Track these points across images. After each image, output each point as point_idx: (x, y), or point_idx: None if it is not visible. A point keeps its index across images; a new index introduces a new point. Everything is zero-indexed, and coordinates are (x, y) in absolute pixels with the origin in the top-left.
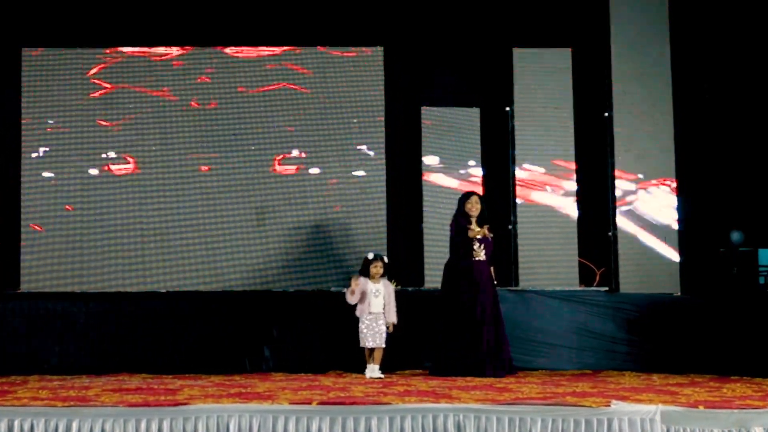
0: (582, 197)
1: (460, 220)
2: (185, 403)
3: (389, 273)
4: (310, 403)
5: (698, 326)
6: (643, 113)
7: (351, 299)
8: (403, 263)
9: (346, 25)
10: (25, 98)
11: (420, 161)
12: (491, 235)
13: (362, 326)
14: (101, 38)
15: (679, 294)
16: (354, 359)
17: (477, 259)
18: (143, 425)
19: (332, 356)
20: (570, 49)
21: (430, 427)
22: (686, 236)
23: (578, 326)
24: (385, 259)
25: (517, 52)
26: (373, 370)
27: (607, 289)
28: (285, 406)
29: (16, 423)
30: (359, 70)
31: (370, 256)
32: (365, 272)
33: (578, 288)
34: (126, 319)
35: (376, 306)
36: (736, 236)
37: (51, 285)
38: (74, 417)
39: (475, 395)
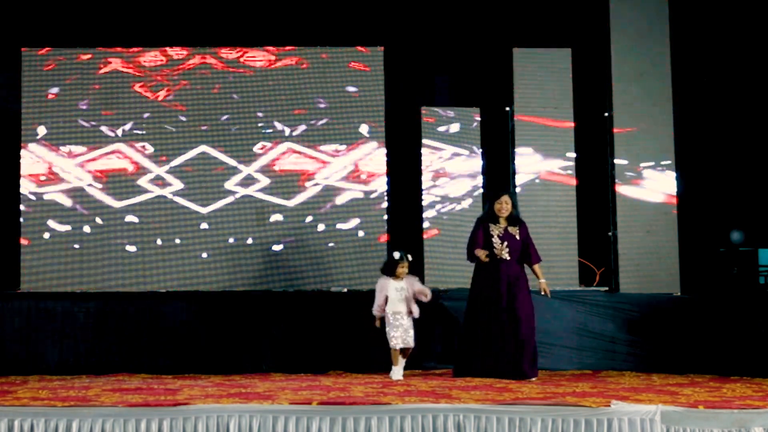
0: (582, 197)
1: (481, 222)
2: (185, 403)
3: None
4: (310, 403)
5: (698, 326)
6: (643, 113)
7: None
8: None
9: (346, 25)
10: (25, 98)
11: (420, 161)
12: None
13: (389, 328)
14: (102, 38)
15: (679, 294)
16: (354, 359)
17: (501, 258)
18: (143, 425)
19: (332, 356)
20: (570, 49)
21: (430, 427)
22: (686, 236)
23: (578, 326)
24: (410, 257)
25: (517, 52)
26: (397, 372)
27: (607, 289)
28: (285, 406)
29: (16, 423)
30: (359, 70)
31: (397, 255)
32: (390, 271)
33: (578, 288)
34: (126, 319)
35: (400, 305)
36: (736, 236)
37: (51, 285)
38: (74, 417)
39: (475, 395)
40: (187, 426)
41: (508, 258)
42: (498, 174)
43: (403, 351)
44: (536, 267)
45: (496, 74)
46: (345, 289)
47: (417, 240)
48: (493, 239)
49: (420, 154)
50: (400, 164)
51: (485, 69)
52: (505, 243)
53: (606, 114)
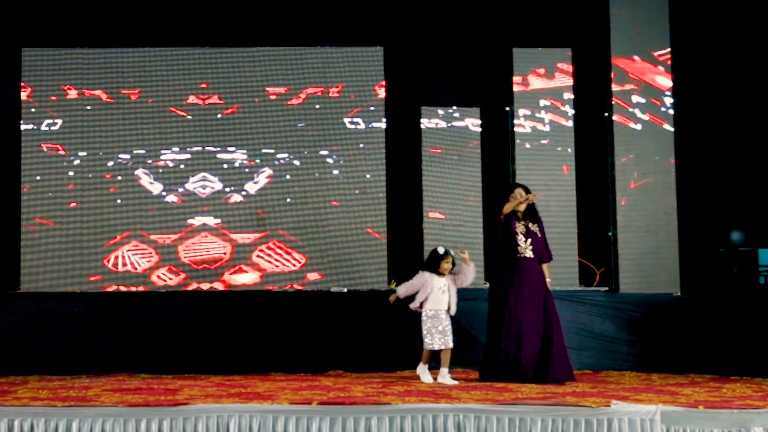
0: (582, 197)
1: (505, 217)
2: (185, 403)
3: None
4: (310, 403)
5: (698, 326)
6: (643, 113)
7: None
8: (403, 263)
9: (346, 25)
10: (25, 98)
11: (420, 161)
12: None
13: (426, 326)
14: (101, 38)
15: (679, 294)
16: (354, 359)
17: (523, 256)
18: (143, 425)
19: (332, 356)
20: (570, 49)
21: (430, 427)
22: (686, 236)
23: (578, 326)
24: (452, 252)
25: (517, 52)
26: (443, 375)
27: (607, 289)
28: (285, 406)
29: (16, 423)
30: (359, 70)
31: (441, 250)
32: (434, 267)
33: (578, 288)
34: (126, 319)
35: (441, 303)
36: (736, 236)
37: (51, 285)
38: (74, 417)
39: (475, 395)
40: (187, 426)
41: (531, 256)
42: (498, 174)
43: (443, 354)
44: (544, 266)
45: (496, 74)
46: (345, 289)
47: (417, 241)
48: (518, 237)
49: (420, 154)
50: (400, 164)
51: (485, 69)
52: (529, 240)
53: (606, 114)
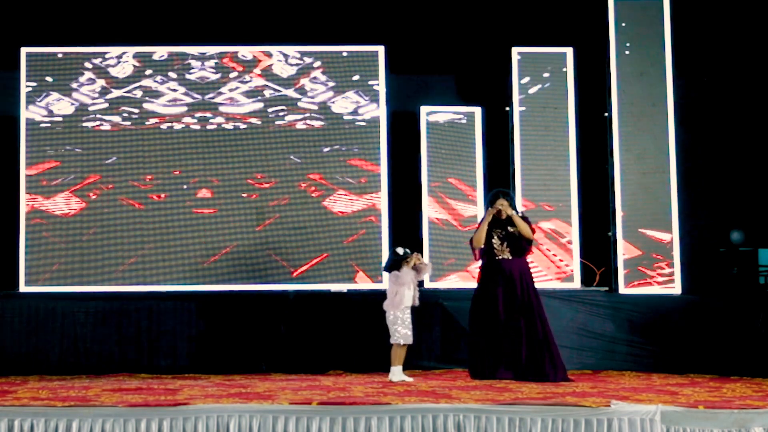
0: (582, 197)
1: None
2: (185, 403)
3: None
4: (310, 403)
5: (698, 326)
6: (642, 113)
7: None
8: None
9: (346, 25)
10: (25, 97)
11: (420, 161)
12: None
13: (399, 324)
14: (102, 38)
15: (679, 294)
16: (354, 359)
17: (501, 257)
18: (143, 425)
19: (332, 356)
20: (570, 49)
21: (430, 427)
22: (686, 236)
23: (578, 326)
24: (408, 251)
25: (517, 52)
26: (396, 372)
27: (607, 289)
28: (285, 406)
29: (16, 423)
30: (359, 70)
31: (401, 251)
32: (398, 268)
33: (578, 288)
34: (126, 319)
35: (411, 299)
36: (736, 236)
37: (51, 285)
38: (74, 417)
39: (475, 395)
40: (187, 426)
41: (510, 257)
42: (498, 174)
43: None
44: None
45: (496, 74)
46: (345, 289)
47: (417, 240)
48: (494, 240)
49: (420, 154)
50: (400, 164)
51: (485, 69)
52: (505, 243)
53: (606, 114)
